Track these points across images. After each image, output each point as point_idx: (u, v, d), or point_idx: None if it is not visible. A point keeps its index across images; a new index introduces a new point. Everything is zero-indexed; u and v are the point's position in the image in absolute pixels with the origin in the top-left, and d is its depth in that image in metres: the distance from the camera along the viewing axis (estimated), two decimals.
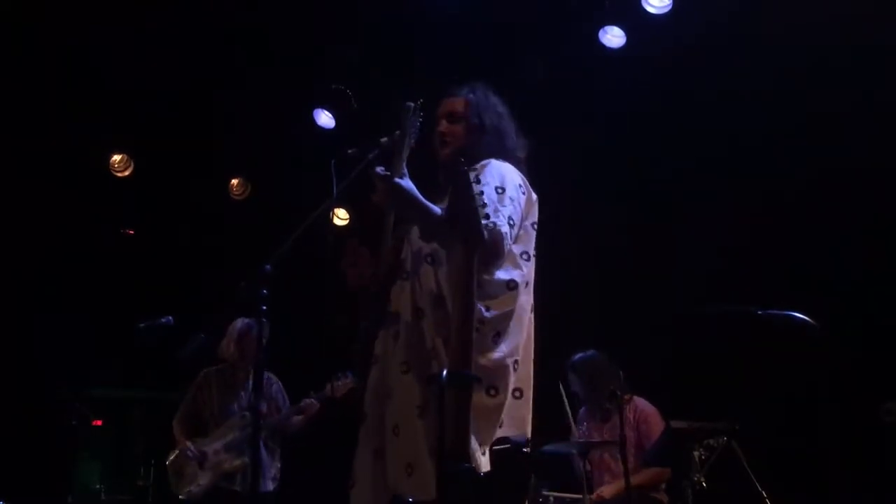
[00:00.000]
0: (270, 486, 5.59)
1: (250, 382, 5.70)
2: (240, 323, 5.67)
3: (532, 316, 2.94)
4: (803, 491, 4.73)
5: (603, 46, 5.86)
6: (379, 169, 2.73)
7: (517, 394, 2.82)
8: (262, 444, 5.53)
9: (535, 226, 2.98)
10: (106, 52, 6.11)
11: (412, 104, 2.86)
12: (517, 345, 2.82)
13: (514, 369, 2.80)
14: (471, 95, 3.11)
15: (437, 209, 2.73)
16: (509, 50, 5.87)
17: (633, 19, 5.68)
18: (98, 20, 5.83)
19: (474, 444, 2.61)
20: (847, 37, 5.13)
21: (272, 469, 5.63)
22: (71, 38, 6.03)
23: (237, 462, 5.45)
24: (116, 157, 7.25)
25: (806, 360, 4.77)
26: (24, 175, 6.81)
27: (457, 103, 3.10)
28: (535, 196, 3.00)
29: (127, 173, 7.28)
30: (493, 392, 2.73)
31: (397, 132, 2.88)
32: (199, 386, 5.72)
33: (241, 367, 5.68)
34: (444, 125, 3.07)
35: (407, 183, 2.72)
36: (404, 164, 2.77)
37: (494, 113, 3.09)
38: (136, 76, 6.28)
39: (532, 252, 2.94)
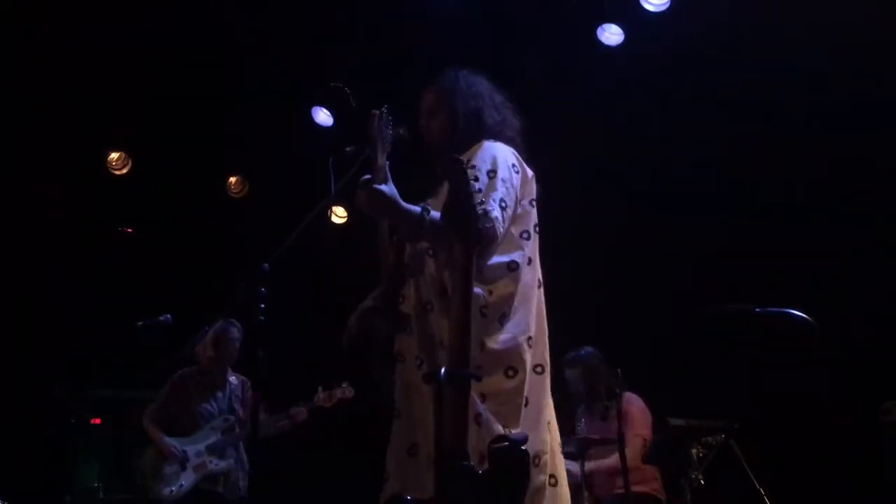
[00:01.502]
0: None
1: (228, 384, 5.69)
2: (218, 325, 5.61)
3: (541, 291, 2.94)
4: (801, 489, 4.74)
5: (601, 44, 5.87)
6: (366, 177, 2.74)
7: (539, 369, 2.84)
8: (241, 448, 5.56)
9: (534, 203, 2.97)
10: (105, 49, 6.10)
11: (376, 111, 2.85)
12: (527, 323, 2.82)
13: (529, 346, 2.80)
14: (442, 86, 3.12)
15: (416, 210, 2.72)
16: (509, 48, 5.87)
17: (632, 17, 5.69)
18: (98, 20, 5.83)
19: (498, 428, 2.63)
20: (847, 36, 5.14)
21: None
22: (71, 38, 6.02)
23: (222, 464, 5.43)
24: (114, 155, 7.25)
25: (804, 359, 4.77)
26: (22, 173, 6.80)
27: (429, 97, 3.13)
28: (530, 173, 2.98)
29: (125, 171, 7.28)
30: (511, 373, 2.74)
31: (365, 148, 2.85)
32: (176, 387, 5.65)
33: (218, 370, 5.66)
34: (422, 122, 3.10)
35: (388, 189, 2.71)
36: (385, 170, 2.76)
37: (469, 95, 3.08)
38: (135, 73, 6.28)
39: (532, 229, 2.93)
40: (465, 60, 3.27)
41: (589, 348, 5.34)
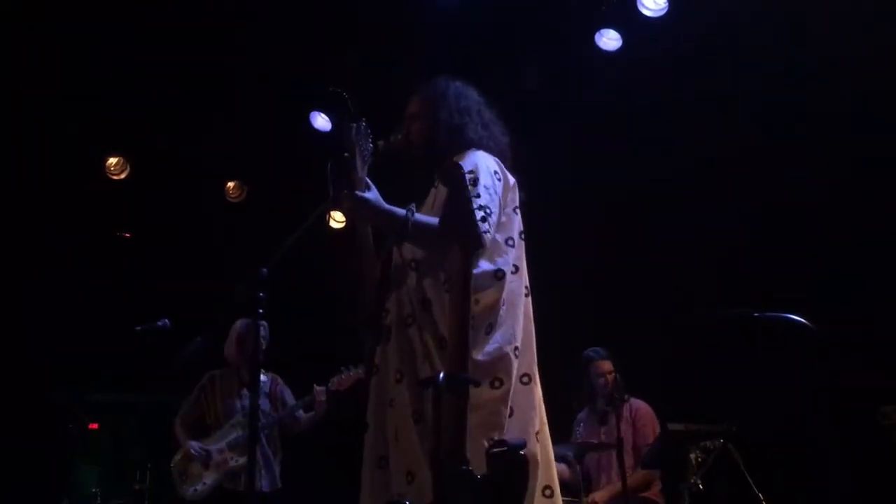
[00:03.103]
0: (276, 484, 5.56)
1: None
2: (240, 324, 5.66)
3: (528, 300, 2.93)
4: (800, 494, 4.74)
5: (599, 49, 5.87)
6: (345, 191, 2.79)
7: (525, 379, 2.82)
8: (264, 442, 5.53)
9: (518, 210, 2.97)
10: (104, 53, 6.10)
11: (353, 125, 2.88)
12: (514, 332, 2.80)
13: (516, 356, 2.78)
14: (427, 94, 3.14)
15: (401, 212, 2.76)
16: (507, 53, 5.87)
17: (630, 22, 5.69)
18: (98, 20, 5.83)
19: (482, 441, 2.62)
20: (846, 37, 5.14)
21: (275, 468, 5.60)
22: (70, 38, 6.02)
23: (242, 460, 5.36)
24: (112, 160, 7.25)
25: (803, 363, 4.78)
26: (20, 177, 6.80)
27: (413, 104, 3.15)
28: (512, 180, 2.99)
29: (123, 176, 7.28)
30: (497, 384, 2.72)
31: (346, 154, 2.90)
32: (203, 388, 5.72)
33: (244, 369, 5.65)
34: (405, 127, 3.12)
35: (372, 195, 2.81)
36: (365, 178, 2.83)
37: (455, 109, 3.09)
38: (133, 78, 6.28)
39: (517, 236, 2.93)
40: (464, 66, 3.27)
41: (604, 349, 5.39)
